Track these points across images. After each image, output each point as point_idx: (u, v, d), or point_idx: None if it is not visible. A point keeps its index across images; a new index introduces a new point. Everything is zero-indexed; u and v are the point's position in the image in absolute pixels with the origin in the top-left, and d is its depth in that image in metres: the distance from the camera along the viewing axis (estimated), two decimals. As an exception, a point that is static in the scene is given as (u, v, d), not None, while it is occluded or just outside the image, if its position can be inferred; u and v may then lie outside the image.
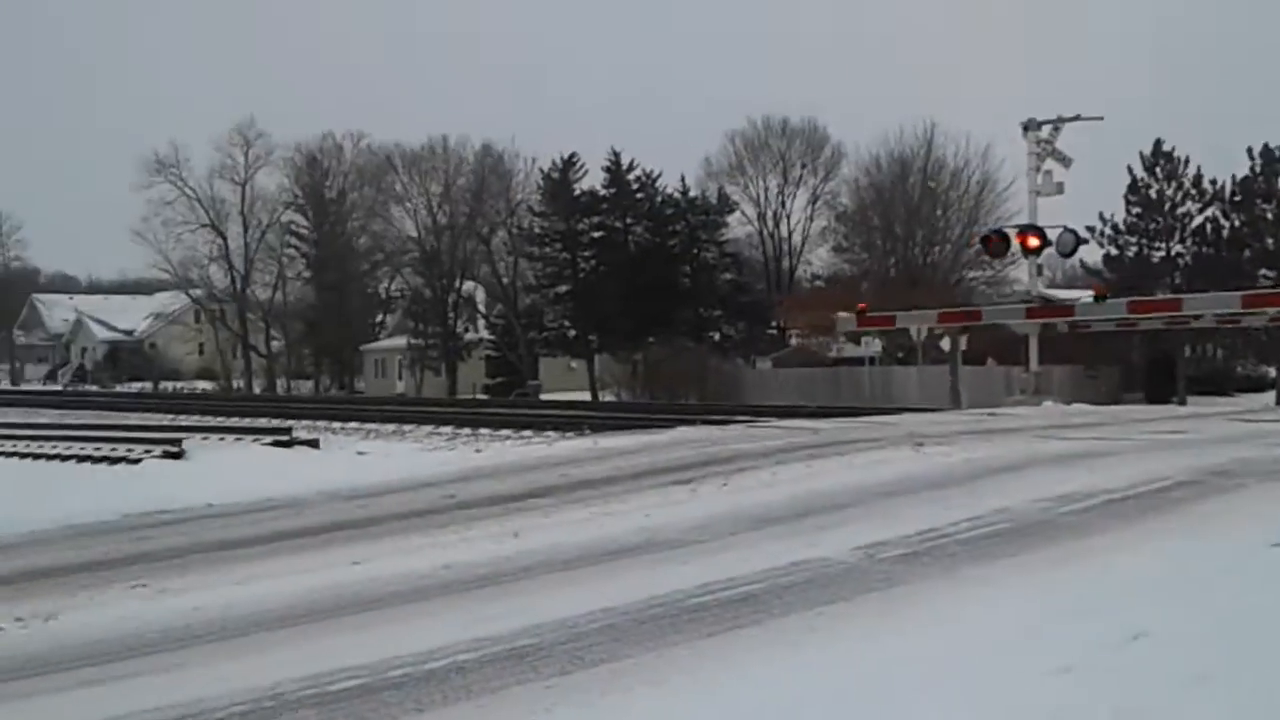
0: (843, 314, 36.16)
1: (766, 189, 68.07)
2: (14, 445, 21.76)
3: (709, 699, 6.27)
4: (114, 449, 20.28)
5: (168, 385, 68.14)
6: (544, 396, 46.34)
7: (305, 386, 67.75)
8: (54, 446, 21.33)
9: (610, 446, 17.58)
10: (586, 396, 47.43)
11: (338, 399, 48.02)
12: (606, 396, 48.78)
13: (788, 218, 68.01)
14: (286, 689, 6.67)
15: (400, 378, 65.62)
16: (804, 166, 68.11)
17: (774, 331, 62.65)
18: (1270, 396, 42.41)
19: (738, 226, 66.84)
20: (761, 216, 68.24)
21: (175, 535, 11.77)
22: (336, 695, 6.55)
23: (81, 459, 19.92)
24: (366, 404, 34.17)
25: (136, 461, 19.14)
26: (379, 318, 72.33)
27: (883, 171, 64.00)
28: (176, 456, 19.34)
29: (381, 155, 66.64)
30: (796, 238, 68.86)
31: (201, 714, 6.30)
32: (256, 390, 63.41)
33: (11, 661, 7.55)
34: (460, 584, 9.36)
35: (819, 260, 70.11)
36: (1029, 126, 33.54)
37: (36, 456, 20.60)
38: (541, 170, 61.49)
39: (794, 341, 58.99)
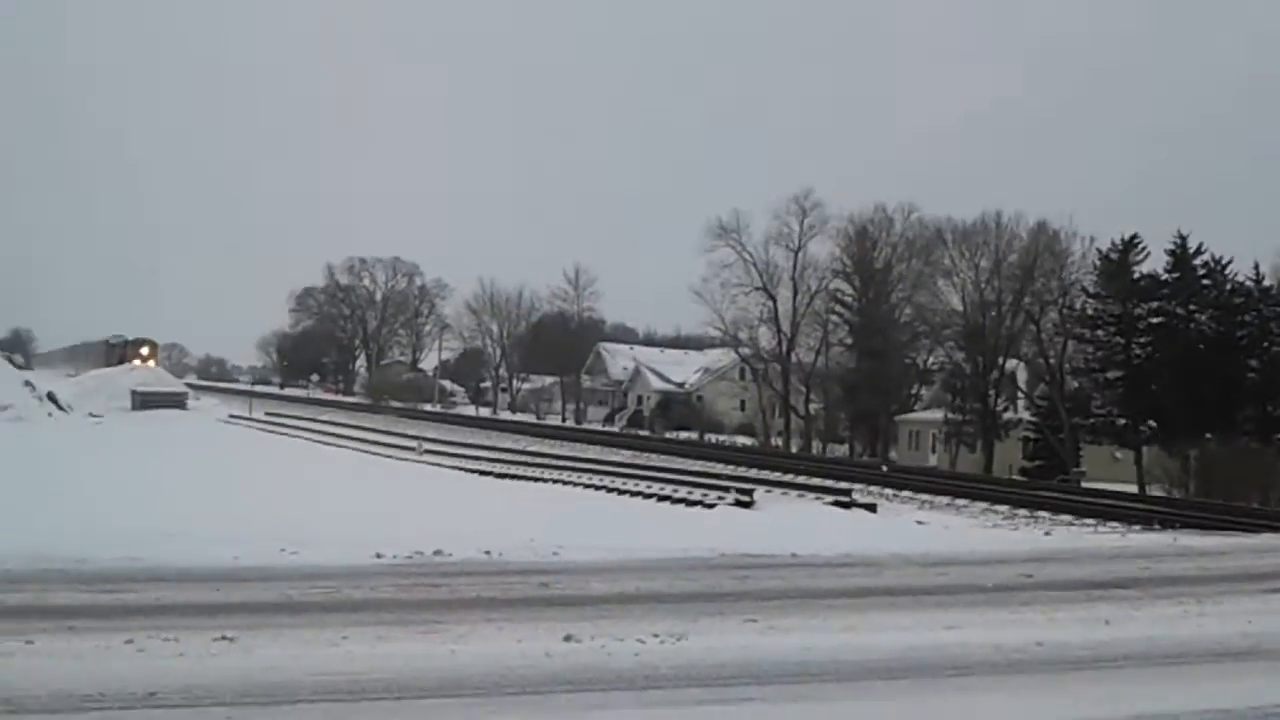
0: None
1: (1355, 281, 61.28)
2: (604, 480, 24.16)
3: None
4: (690, 492, 21.99)
5: (712, 436, 72.08)
6: (1087, 484, 44.35)
7: (839, 450, 69.15)
8: (636, 484, 23.44)
9: (1192, 545, 16.76)
10: (1131, 488, 44.89)
11: (873, 465, 48.77)
12: (1154, 491, 45.91)
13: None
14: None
15: (933, 450, 65.31)
16: None
17: (1356, 437, 56.09)
18: None
19: (1318, 321, 60.58)
20: (1347, 310, 61.48)
21: (771, 578, 12.69)
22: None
23: (663, 498, 21.79)
24: (915, 474, 34.44)
25: (712, 506, 20.66)
26: (916, 389, 72.47)
27: None
28: (747, 506, 20.66)
29: (932, 228, 66.93)
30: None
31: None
32: (793, 449, 65.55)
33: (654, 671, 8.58)
34: (1057, 663, 9.43)
35: None
36: None
37: (623, 493, 22.76)
38: (1099, 250, 58.91)
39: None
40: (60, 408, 46.80)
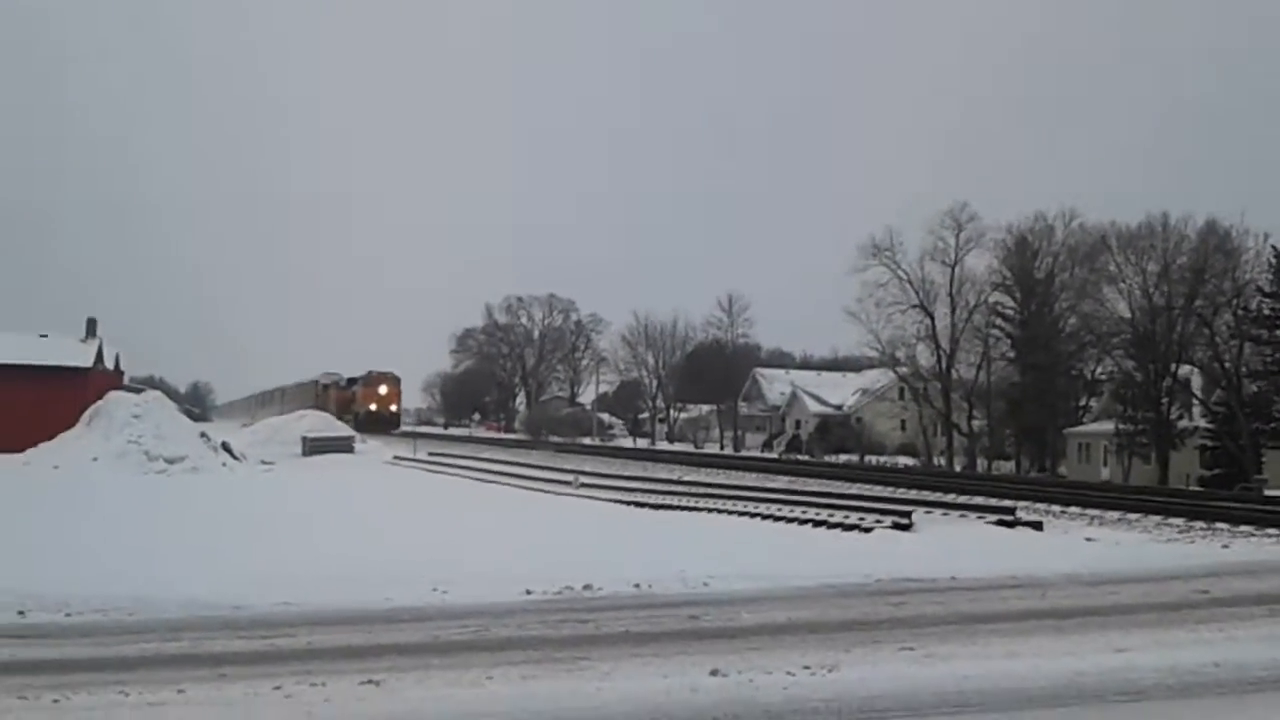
0: None
1: None
2: (759, 507, 23.87)
3: None
4: (846, 516, 21.54)
5: (872, 458, 70.96)
6: (1269, 493, 42.19)
7: (1005, 466, 67.27)
8: (791, 510, 23.09)
9: (1387, 554, 15.69)
10: (1323, 495, 42.49)
11: (1054, 482, 47.21)
12: (1347, 497, 43.39)
13: None
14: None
15: (1105, 463, 62.97)
16: None
17: None
18: None
19: None
20: None
21: (927, 604, 12.27)
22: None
23: (818, 523, 21.38)
24: (1082, 489, 33.20)
25: (868, 530, 20.20)
26: (1084, 400, 70.06)
27: None
28: (905, 528, 20.12)
29: (1095, 235, 64.79)
30: None
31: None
32: (957, 468, 64.03)
33: (804, 704, 8.29)
34: (1235, 684, 8.85)
35: None
36: None
37: (778, 519, 22.43)
38: (1275, 247, 56.29)
39: None
40: (234, 456, 48.52)
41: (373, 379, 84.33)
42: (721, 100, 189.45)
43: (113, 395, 48.68)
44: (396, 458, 52.29)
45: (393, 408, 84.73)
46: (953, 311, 68.36)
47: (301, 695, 8.29)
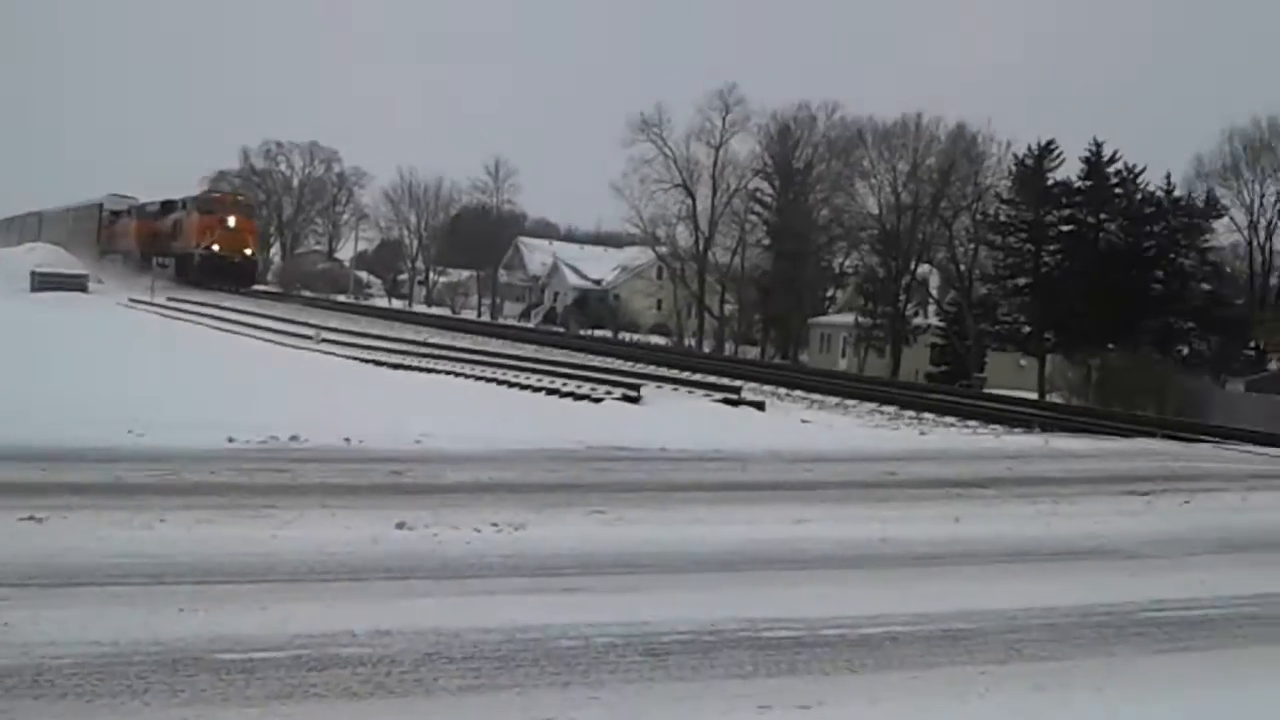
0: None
1: (1263, 195, 62.37)
2: (495, 373, 23.85)
3: (1146, 715, 6.02)
4: (579, 386, 21.75)
5: (625, 335, 72.06)
6: (988, 390, 44.99)
7: (751, 352, 69.44)
8: (527, 378, 23.16)
9: (1062, 447, 16.91)
10: (1032, 395, 45.62)
11: (783, 366, 48.92)
12: (1054, 398, 46.70)
13: (1285, 229, 62.03)
14: (724, 627, 7.03)
15: (844, 354, 65.88)
16: (1314, 174, 61.73)
17: (1251, 352, 57.42)
18: None
19: (1224, 234, 61.57)
20: (1253, 225, 62.58)
21: (632, 471, 12.54)
22: (770, 642, 6.82)
23: (551, 391, 21.53)
24: (810, 374, 34.58)
25: (598, 401, 20.45)
26: (830, 292, 72.86)
27: None
28: (634, 401, 20.48)
29: (853, 129, 66.87)
30: (1292, 252, 62.67)
31: (647, 635, 6.75)
32: (706, 349, 65.72)
33: (482, 559, 8.38)
34: (897, 559, 9.41)
35: (1316, 278, 63.53)
36: None
37: (511, 385, 22.48)
38: (1015, 156, 59.19)
39: (1275, 365, 53.91)
40: (-51, 284, 45.30)
41: (214, 203, 57.93)
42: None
43: None
44: (132, 300, 49.77)
45: (247, 250, 57.01)
46: (714, 194, 69.63)
47: (-51, 530, 7.84)
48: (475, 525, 9.24)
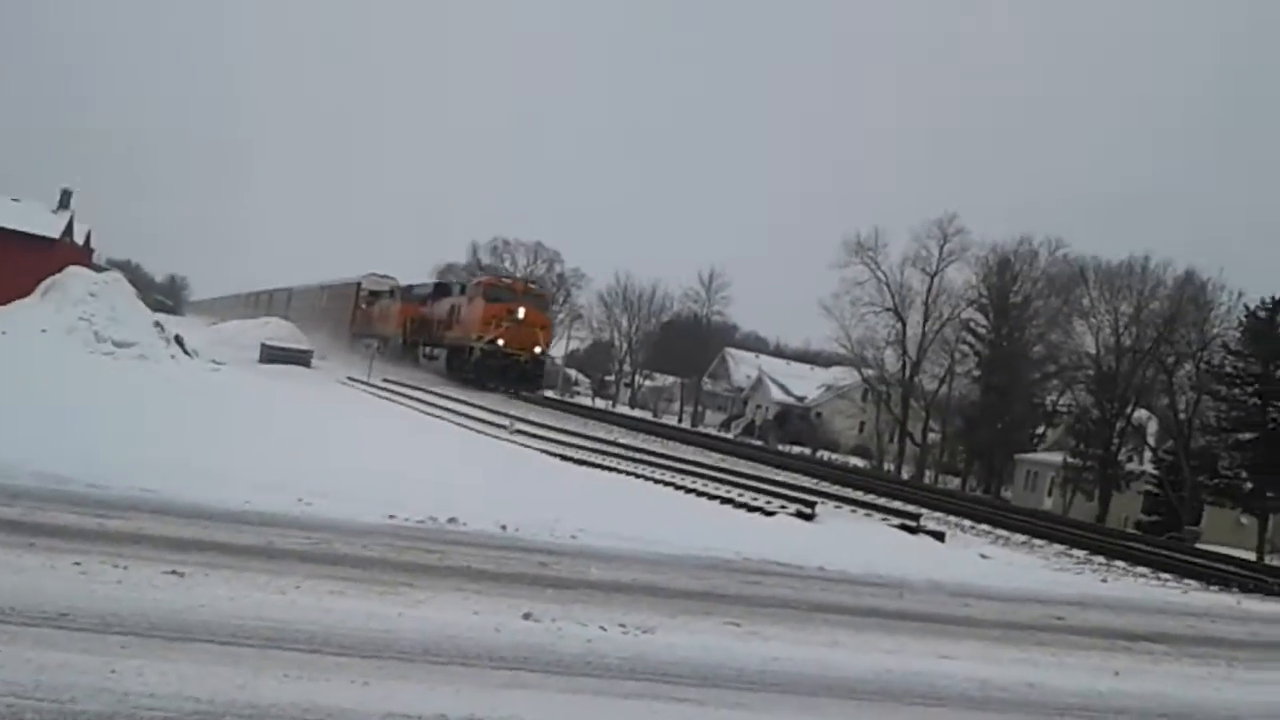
0: None
1: None
2: (676, 478, 23.81)
3: None
4: (754, 499, 21.50)
5: (824, 454, 71.14)
6: (1200, 545, 42.45)
7: (953, 483, 67.59)
8: (705, 485, 23.03)
9: (1255, 610, 15.76)
10: (1250, 556, 42.78)
11: (979, 500, 47.33)
12: (1275, 560, 43.75)
13: None
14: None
15: (1049, 493, 63.38)
16: None
17: None
18: None
19: None
20: None
21: (780, 587, 12.26)
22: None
23: (725, 501, 21.34)
24: (1004, 510, 33.33)
25: (771, 514, 20.16)
26: (1039, 429, 70.47)
27: None
28: (808, 519, 20.10)
29: (1075, 267, 65.16)
30: None
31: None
32: (904, 475, 64.25)
33: (600, 659, 8.26)
34: (1040, 706, 8.87)
35: None
36: None
37: (689, 491, 22.38)
38: (1247, 307, 56.63)
39: None
40: (185, 352, 48.17)
41: (502, 289, 47.83)
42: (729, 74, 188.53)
43: (71, 269, 48.15)
44: (350, 378, 52.00)
45: (537, 349, 46.54)
46: (925, 320, 68.72)
47: (97, 574, 8.21)
48: (602, 624, 9.15)
